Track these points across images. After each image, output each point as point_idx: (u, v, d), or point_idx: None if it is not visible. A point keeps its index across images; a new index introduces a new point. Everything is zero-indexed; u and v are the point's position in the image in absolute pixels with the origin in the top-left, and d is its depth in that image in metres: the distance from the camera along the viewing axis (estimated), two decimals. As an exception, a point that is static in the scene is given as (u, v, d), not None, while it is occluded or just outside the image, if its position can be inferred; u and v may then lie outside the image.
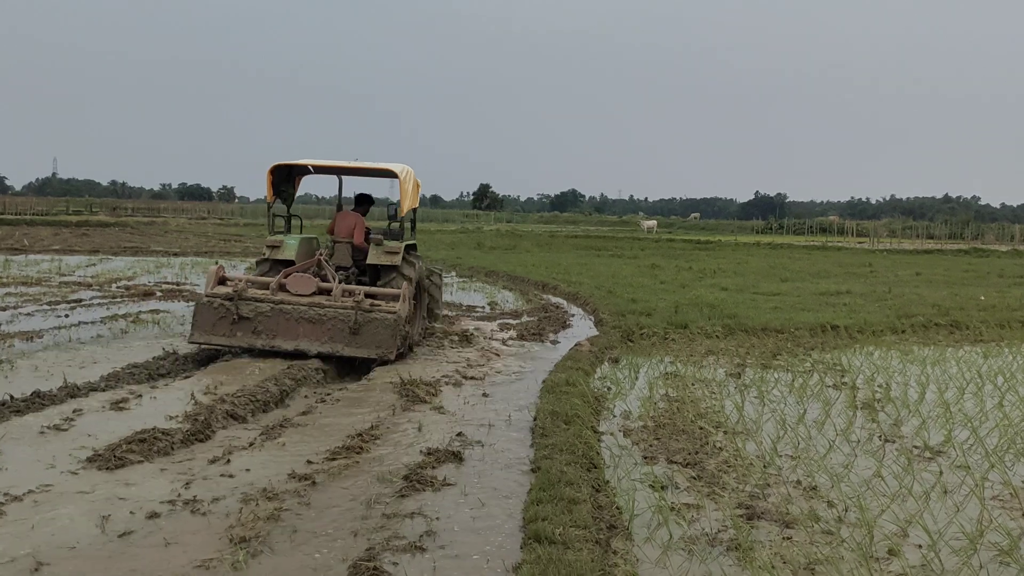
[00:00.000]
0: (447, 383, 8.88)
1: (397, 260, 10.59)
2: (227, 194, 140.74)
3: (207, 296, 10.06)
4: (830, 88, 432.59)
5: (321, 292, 10.04)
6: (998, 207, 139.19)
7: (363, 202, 11.90)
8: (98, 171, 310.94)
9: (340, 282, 10.28)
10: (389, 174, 11.61)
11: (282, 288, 10.05)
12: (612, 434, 7.12)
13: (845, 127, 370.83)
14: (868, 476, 6.14)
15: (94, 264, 24.43)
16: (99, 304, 14.68)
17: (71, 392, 7.71)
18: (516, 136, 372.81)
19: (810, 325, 13.41)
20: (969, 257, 40.67)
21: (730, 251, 40.81)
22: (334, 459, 6.00)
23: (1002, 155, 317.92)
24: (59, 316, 13.00)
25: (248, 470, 5.77)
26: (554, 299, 17.84)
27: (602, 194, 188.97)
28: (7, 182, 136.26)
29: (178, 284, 18.93)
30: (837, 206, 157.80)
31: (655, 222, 76.46)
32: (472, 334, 12.38)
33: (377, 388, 8.59)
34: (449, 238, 45.39)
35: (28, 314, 13.15)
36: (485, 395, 8.41)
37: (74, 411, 7.20)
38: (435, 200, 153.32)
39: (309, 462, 5.96)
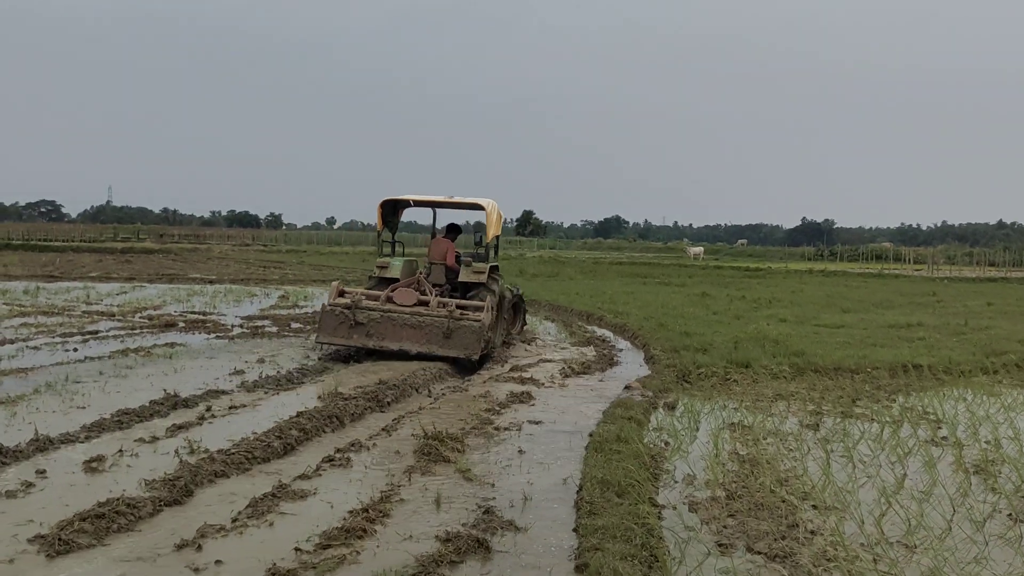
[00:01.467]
0: (476, 435, 7.66)
1: (483, 278, 12.65)
2: (274, 221, 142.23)
3: (330, 305, 12.16)
4: (877, 112, 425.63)
5: (420, 303, 12.06)
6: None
7: (453, 231, 14.03)
8: (152, 199, 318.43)
9: (435, 296, 12.24)
10: (477, 207, 13.45)
11: (389, 300, 12.16)
12: (675, 508, 5.82)
13: (893, 151, 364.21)
14: (1007, 573, 4.78)
15: (125, 292, 23.79)
16: (114, 336, 13.79)
17: (41, 446, 6.66)
18: (559, 161, 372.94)
19: (889, 364, 11.94)
20: (1040, 285, 38.45)
21: (782, 279, 39.14)
22: (328, 546, 4.79)
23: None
24: (67, 350, 12.10)
25: (219, 562, 4.59)
26: (600, 331, 16.58)
27: (646, 220, 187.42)
28: (63, 209, 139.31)
29: (204, 314, 18.03)
30: (887, 232, 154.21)
31: (702, 248, 74.71)
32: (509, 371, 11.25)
33: (395, 443, 7.39)
34: (490, 265, 44.40)
35: (35, 347, 12.27)
36: (521, 452, 7.16)
37: (38, 472, 6.13)
38: (479, 227, 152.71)
39: (298, 550, 4.77)
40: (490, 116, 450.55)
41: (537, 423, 8.27)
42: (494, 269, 13.08)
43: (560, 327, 17.14)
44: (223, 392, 9.27)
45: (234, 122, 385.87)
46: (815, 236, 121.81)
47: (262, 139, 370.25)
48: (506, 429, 7.93)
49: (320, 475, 6.31)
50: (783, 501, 5.95)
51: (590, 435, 7.62)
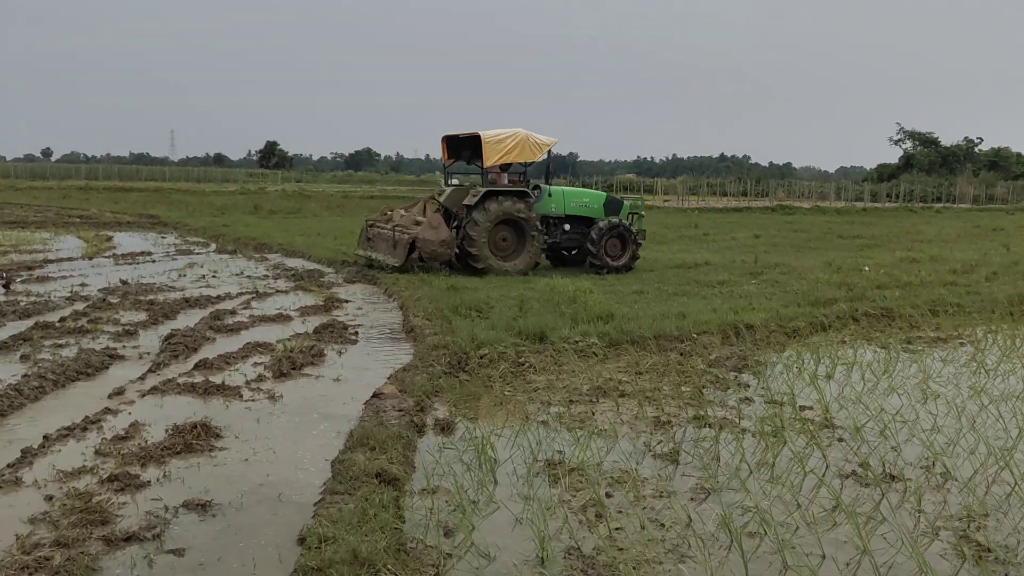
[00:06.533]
0: (53, 570, 3.68)
1: (472, 201, 13.63)
2: None
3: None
4: (612, 55, 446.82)
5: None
6: (767, 165, 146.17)
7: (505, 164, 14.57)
8: None
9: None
10: (476, 138, 14.09)
11: (390, 219, 14.70)
12: None
13: (629, 93, 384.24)
14: None
15: None
16: None
17: None
18: (306, 93, 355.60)
19: (716, 326, 9.24)
20: (779, 215, 39.41)
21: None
22: None
23: (765, 118, 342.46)
24: None
25: None
26: (343, 287, 12.74)
27: (398, 153, 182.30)
28: None
29: None
30: (625, 165, 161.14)
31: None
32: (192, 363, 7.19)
33: None
34: (222, 200, 38.43)
35: None
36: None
37: None
38: (219, 159, 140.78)
39: None
40: (223, 37, 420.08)
41: (204, 508, 4.37)
42: (494, 195, 13.73)
43: (290, 282, 13.05)
44: None
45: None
46: (562, 168, 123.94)
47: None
48: (131, 539, 3.97)
49: None
50: None
51: (301, 540, 3.92)
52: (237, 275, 13.82)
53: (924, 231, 27.83)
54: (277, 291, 12.11)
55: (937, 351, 8.99)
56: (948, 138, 76.89)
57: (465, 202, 13.84)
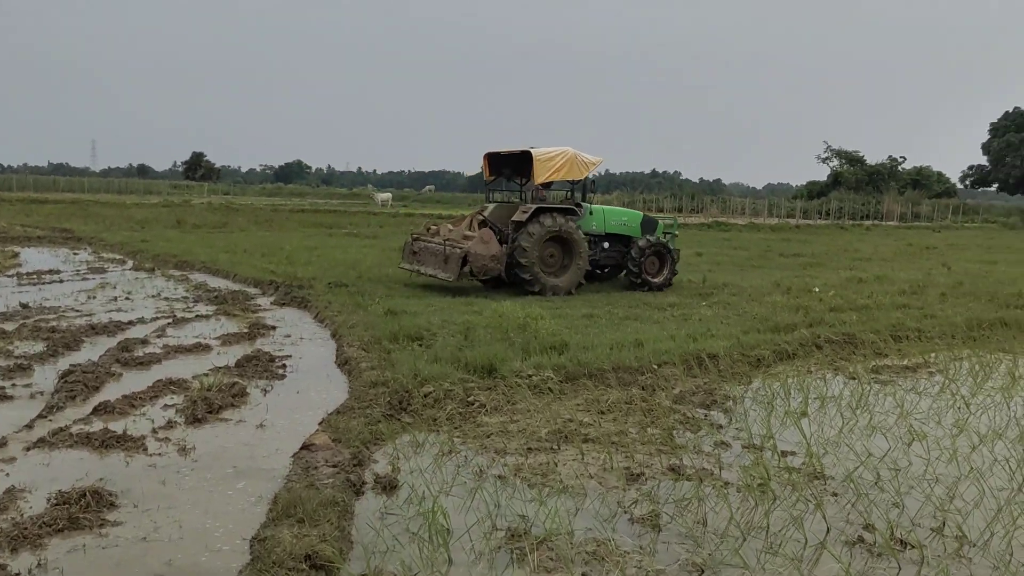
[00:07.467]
0: None
1: (523, 217, 13.47)
2: None
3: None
4: (546, 72, 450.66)
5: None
6: (697, 181, 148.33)
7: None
8: None
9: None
10: (527, 155, 14.06)
11: (436, 233, 14.46)
12: None
13: (559, 107, 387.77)
14: None
15: None
16: None
17: None
18: (235, 103, 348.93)
19: (678, 356, 8.60)
20: (716, 232, 39.48)
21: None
22: None
23: (697, 136, 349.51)
24: None
25: None
26: (270, 311, 11.75)
27: (329, 166, 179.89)
28: None
29: None
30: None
31: (390, 195, 70.59)
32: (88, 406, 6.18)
33: None
34: (143, 213, 36.63)
35: None
36: None
37: None
38: (143, 170, 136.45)
39: None
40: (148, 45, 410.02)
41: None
42: (545, 211, 13.65)
43: (212, 306, 11.99)
44: None
45: None
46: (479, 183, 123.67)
47: None
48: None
49: None
50: None
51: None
52: (153, 297, 12.71)
53: (860, 249, 27.97)
54: (197, 316, 11.06)
55: (908, 381, 8.51)
56: (873, 157, 78.86)
57: (515, 218, 13.66)
